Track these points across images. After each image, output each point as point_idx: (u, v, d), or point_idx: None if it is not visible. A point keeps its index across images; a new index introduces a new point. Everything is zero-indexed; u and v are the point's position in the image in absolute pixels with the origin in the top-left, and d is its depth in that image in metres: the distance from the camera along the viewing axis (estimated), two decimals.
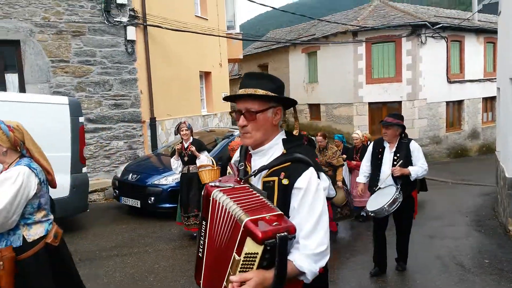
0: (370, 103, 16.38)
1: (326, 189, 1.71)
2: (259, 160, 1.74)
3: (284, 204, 1.59)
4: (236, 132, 8.68)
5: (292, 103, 1.80)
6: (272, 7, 11.67)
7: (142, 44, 9.92)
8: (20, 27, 8.58)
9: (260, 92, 1.67)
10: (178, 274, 4.57)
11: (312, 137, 6.25)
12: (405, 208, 4.30)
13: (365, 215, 6.80)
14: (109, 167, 9.43)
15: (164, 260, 5.03)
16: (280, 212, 1.50)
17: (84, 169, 6.19)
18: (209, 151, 6.19)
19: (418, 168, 4.25)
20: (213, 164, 5.77)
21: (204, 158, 5.79)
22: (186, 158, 5.87)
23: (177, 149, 5.85)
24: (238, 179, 1.74)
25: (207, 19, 13.08)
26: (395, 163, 4.29)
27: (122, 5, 9.36)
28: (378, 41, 15.84)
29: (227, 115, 15.39)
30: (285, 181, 1.60)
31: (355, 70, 16.20)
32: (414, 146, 4.34)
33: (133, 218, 6.94)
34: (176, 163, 5.96)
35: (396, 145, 4.38)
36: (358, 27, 15.66)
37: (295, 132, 1.92)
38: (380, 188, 4.33)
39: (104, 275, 4.50)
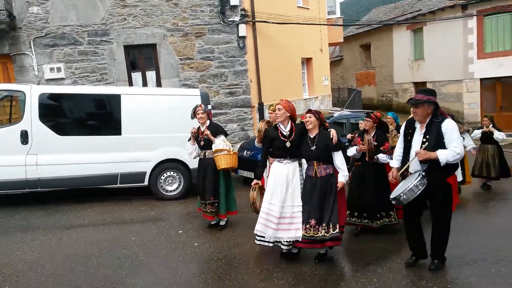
0: (482, 79, 15.54)
1: None
2: None
3: None
4: (336, 114, 9.57)
5: None
6: None
7: (251, 39, 11.29)
8: (156, 33, 10.60)
9: None
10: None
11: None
12: (438, 197, 3.85)
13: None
14: None
15: None
16: None
17: None
18: (226, 135, 5.74)
19: (449, 151, 3.68)
20: (229, 148, 5.47)
21: (219, 142, 5.43)
22: (202, 143, 5.52)
23: (192, 133, 5.55)
24: None
25: (308, 8, 13.94)
26: (423, 145, 3.79)
27: (234, 6, 10.80)
28: (492, 13, 14.86)
29: (327, 97, 16.19)
30: None
31: (464, 44, 15.47)
32: (447, 126, 3.76)
33: (249, 186, 8.34)
34: (191, 148, 5.62)
35: (426, 125, 3.86)
36: (466, 1, 14.87)
37: None
38: (410, 173, 3.93)
39: (235, 223, 5.85)
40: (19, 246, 5.08)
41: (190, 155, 5.69)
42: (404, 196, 3.74)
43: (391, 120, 6.63)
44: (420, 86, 18.44)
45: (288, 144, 4.39)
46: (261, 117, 11.73)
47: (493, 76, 15.26)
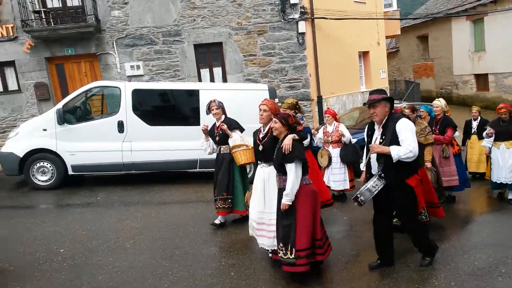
0: None
1: None
2: None
3: None
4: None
5: None
6: None
7: (310, 35, 11.83)
8: (222, 32, 11.44)
9: None
10: None
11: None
12: (397, 199, 3.83)
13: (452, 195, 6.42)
14: None
15: None
16: None
17: None
18: (242, 131, 5.47)
19: (402, 148, 3.65)
20: (247, 143, 5.24)
21: (237, 137, 5.30)
22: (217, 138, 5.46)
23: (203, 130, 5.49)
24: None
25: (365, 3, 14.20)
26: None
27: (294, 5, 11.40)
28: None
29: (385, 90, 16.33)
30: None
31: None
32: (401, 125, 3.73)
33: None
34: (205, 144, 5.55)
35: (382, 126, 3.85)
36: None
37: None
38: (373, 174, 3.90)
39: None
40: (126, 217, 6.07)
41: (204, 151, 5.64)
42: (362, 197, 3.79)
43: (424, 113, 6.23)
44: (481, 78, 18.03)
45: (260, 148, 4.13)
46: (320, 109, 12.26)
47: None
